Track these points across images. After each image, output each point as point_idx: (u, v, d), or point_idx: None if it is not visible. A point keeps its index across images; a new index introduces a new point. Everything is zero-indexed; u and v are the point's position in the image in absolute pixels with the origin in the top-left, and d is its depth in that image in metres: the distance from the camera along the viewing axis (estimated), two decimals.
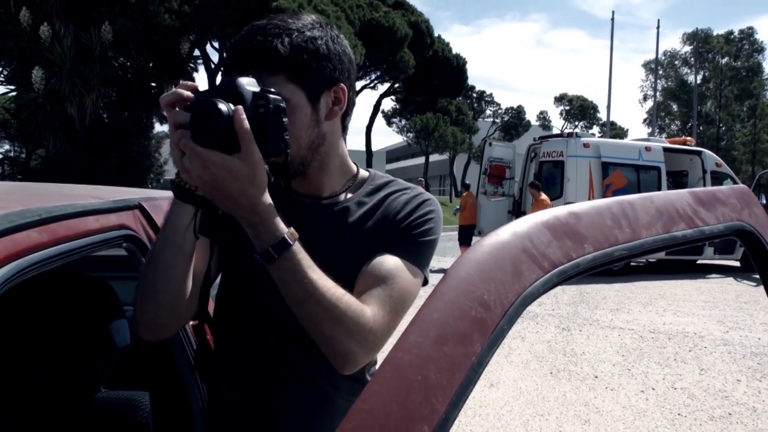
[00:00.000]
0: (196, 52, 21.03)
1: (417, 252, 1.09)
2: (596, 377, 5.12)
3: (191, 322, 1.29)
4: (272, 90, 0.92)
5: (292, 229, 0.93)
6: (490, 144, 14.43)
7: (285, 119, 0.92)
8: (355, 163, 1.20)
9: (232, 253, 1.13)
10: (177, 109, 0.90)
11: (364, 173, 1.20)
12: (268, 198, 0.91)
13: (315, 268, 0.94)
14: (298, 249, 0.93)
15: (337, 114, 1.07)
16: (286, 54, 0.99)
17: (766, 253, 0.83)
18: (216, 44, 21.79)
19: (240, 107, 0.87)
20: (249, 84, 0.91)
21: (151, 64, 18.93)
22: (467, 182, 14.03)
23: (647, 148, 12.79)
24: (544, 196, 11.00)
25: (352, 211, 1.12)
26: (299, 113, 1.01)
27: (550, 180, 12.45)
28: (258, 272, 0.97)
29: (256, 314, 1.11)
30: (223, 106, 0.86)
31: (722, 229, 0.80)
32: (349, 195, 1.14)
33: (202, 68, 22.44)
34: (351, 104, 1.11)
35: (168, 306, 1.03)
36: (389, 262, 1.05)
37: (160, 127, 26.71)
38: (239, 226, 0.94)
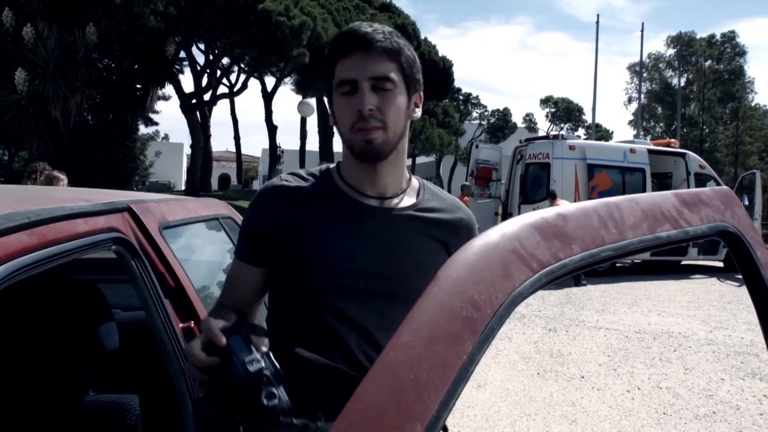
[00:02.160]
0: (182, 54, 20.93)
1: None
2: (583, 377, 5.15)
3: (180, 324, 1.29)
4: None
5: None
6: (477, 146, 14.48)
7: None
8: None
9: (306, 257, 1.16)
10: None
11: (415, 180, 1.29)
12: None
13: None
14: None
15: (418, 114, 1.21)
16: (402, 51, 1.14)
17: (748, 253, 0.85)
18: (201, 46, 21.69)
19: None
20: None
21: (136, 66, 18.79)
22: (467, 184, 13.70)
23: (632, 150, 12.91)
24: (560, 201, 10.98)
25: (419, 218, 1.20)
26: (401, 99, 1.14)
27: (536, 182, 12.53)
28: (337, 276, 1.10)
29: (336, 319, 1.13)
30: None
31: (706, 230, 0.82)
32: (412, 200, 1.22)
33: (188, 70, 22.31)
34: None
35: None
36: None
37: (144, 129, 26.55)
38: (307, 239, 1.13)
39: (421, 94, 1.21)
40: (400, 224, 1.17)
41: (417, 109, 1.21)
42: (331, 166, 1.26)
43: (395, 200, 1.19)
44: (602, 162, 12.49)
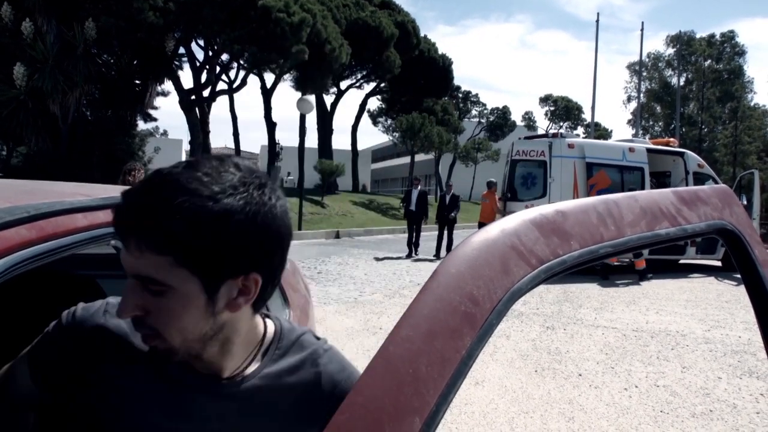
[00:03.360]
0: (181, 50, 20.91)
1: None
2: (580, 375, 5.16)
3: None
4: None
5: None
6: None
7: None
8: (264, 316, 0.96)
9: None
10: None
11: (271, 328, 0.95)
12: None
13: None
14: None
15: (241, 306, 0.82)
16: (181, 231, 0.73)
17: (746, 251, 0.85)
18: (201, 42, 21.67)
19: None
20: None
21: (135, 62, 18.77)
22: (494, 180, 13.35)
23: (631, 149, 12.93)
24: None
25: (258, 391, 0.89)
26: (188, 304, 0.77)
27: (533, 180, 12.54)
28: None
29: None
30: None
31: (704, 228, 0.82)
32: (254, 367, 0.90)
33: (187, 66, 22.31)
34: (270, 287, 0.86)
35: None
36: None
37: (143, 125, 26.51)
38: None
39: (256, 276, 0.80)
40: (234, 405, 0.87)
41: (242, 298, 0.81)
42: None
43: (232, 379, 0.89)
44: (601, 161, 12.51)
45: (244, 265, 0.79)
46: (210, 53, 21.96)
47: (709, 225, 0.83)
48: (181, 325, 0.78)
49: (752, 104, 46.48)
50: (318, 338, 0.99)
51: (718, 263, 13.34)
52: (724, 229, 0.85)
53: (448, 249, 13.25)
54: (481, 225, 12.44)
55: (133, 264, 0.75)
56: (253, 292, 0.81)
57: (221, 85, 24.91)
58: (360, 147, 37.64)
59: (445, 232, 13.83)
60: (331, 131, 32.60)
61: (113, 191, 1.38)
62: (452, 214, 13.79)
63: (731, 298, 9.38)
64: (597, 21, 32.68)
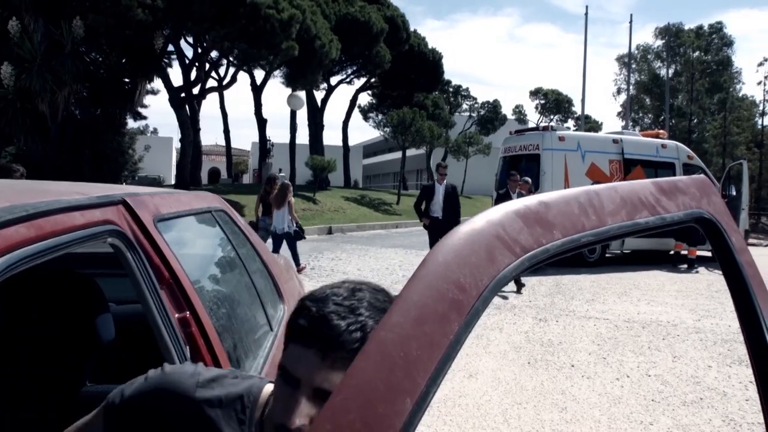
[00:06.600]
0: (170, 48, 20.80)
1: None
2: (573, 366, 5.22)
3: (177, 315, 1.31)
4: None
5: None
6: None
7: None
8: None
9: None
10: None
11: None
12: None
13: None
14: None
15: None
16: (359, 347, 0.79)
17: (723, 238, 0.89)
18: (190, 39, 21.56)
19: None
20: None
21: (124, 60, 18.66)
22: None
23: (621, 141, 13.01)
24: None
25: None
26: None
27: (526, 173, 12.59)
28: None
29: None
30: None
31: (682, 217, 0.85)
32: None
33: (176, 63, 22.20)
34: None
35: None
36: None
37: (133, 123, 26.38)
38: None
39: None
40: None
41: None
42: (261, 400, 0.97)
43: None
44: (592, 153, 12.60)
45: None
46: (199, 50, 21.86)
47: (687, 214, 0.85)
48: None
49: (740, 95, 46.73)
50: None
51: (708, 254, 13.44)
52: (701, 218, 0.87)
53: None
54: None
55: (325, 381, 0.82)
56: None
57: (211, 83, 24.83)
58: (351, 143, 37.58)
59: None
60: (322, 127, 32.54)
61: (109, 190, 1.40)
62: None
63: (721, 288, 9.46)
64: (586, 14, 32.80)
